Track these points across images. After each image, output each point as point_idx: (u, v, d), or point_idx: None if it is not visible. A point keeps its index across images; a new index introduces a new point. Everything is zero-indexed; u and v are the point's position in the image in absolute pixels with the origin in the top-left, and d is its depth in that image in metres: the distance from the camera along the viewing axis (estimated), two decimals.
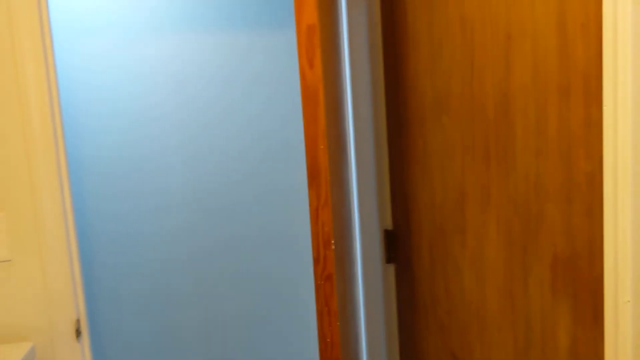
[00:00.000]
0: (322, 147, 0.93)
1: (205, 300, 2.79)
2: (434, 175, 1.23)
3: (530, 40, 0.80)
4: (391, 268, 1.63)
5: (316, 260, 0.95)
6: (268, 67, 2.68)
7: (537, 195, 0.82)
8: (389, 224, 1.62)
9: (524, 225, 0.86)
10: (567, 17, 0.71)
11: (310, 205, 0.94)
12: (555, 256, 0.79)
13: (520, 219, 0.87)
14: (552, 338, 0.81)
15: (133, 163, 2.66)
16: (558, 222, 0.78)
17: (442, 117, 1.16)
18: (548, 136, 0.78)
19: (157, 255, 2.70)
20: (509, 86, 0.87)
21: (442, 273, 1.23)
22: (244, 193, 2.73)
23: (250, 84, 2.68)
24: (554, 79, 0.75)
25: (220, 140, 2.69)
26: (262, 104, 2.69)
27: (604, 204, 0.67)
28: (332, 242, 0.94)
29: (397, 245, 1.58)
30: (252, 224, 2.74)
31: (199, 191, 2.70)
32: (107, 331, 2.73)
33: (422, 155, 1.29)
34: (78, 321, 1.48)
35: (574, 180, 0.74)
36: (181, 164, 2.68)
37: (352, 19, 1.38)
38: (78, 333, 1.48)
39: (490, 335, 1.02)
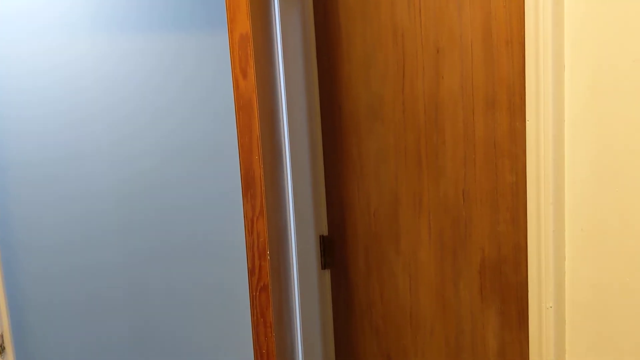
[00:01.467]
0: (256, 157, 0.93)
1: (137, 308, 2.72)
2: (369, 181, 1.25)
3: (458, 52, 0.82)
4: (327, 274, 1.63)
5: (251, 272, 0.94)
6: (201, 70, 2.64)
7: (466, 201, 0.84)
8: (324, 230, 1.63)
9: (454, 229, 0.89)
10: (492, 33, 0.73)
11: (245, 216, 0.93)
12: (483, 260, 0.81)
13: (450, 224, 0.90)
14: (482, 341, 0.84)
15: (59, 167, 2.56)
16: (486, 227, 0.80)
17: (375, 124, 1.17)
18: (476, 144, 0.81)
19: (86, 262, 2.61)
20: (438, 94, 0.89)
21: (377, 278, 1.25)
22: (175, 198, 2.67)
23: (183, 87, 2.64)
24: (480, 90, 0.78)
25: (151, 144, 2.63)
26: (194, 107, 2.65)
27: (528, 213, 0.69)
28: (268, 252, 0.94)
29: (333, 250, 1.59)
30: (184, 230, 2.69)
31: (128, 196, 2.63)
32: (34, 343, 2.62)
33: (357, 161, 1.31)
34: (1, 336, 1.42)
35: (499, 189, 0.76)
36: (110, 168, 2.60)
37: (286, 26, 1.38)
38: (2, 349, 1.42)
39: (423, 339, 1.04)
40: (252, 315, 0.96)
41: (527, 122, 0.67)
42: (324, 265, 1.63)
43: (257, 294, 0.95)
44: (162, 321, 2.78)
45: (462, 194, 0.85)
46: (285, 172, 1.61)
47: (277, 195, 1.50)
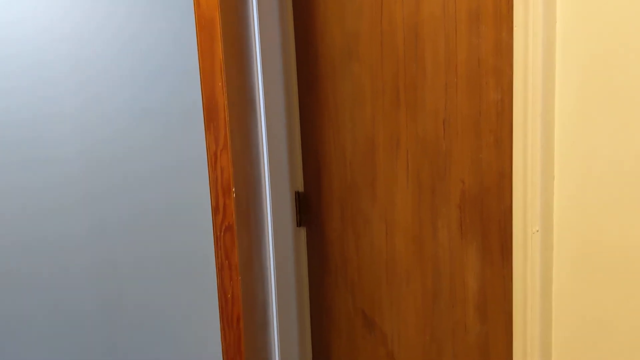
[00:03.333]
0: (219, 84, 0.85)
1: (105, 279, 2.64)
2: (345, 129, 1.18)
3: None
4: (302, 231, 1.57)
5: (215, 210, 0.87)
6: (170, 24, 2.55)
7: (446, 131, 0.78)
8: (300, 186, 1.56)
9: (432, 166, 0.83)
10: None
11: (208, 149, 0.86)
12: (464, 193, 0.75)
13: (429, 160, 0.83)
14: (461, 282, 0.78)
15: (21, 131, 2.45)
16: (467, 157, 0.74)
17: (351, 64, 1.10)
18: (458, 68, 0.74)
19: (51, 232, 2.52)
20: (418, 19, 0.82)
21: (352, 231, 1.19)
22: (144, 164, 2.58)
23: (150, 44, 2.54)
24: (464, 4, 0.71)
25: (117, 107, 2.53)
26: (162, 67, 2.55)
27: (514, 132, 0.63)
28: (233, 189, 0.87)
29: (309, 207, 1.52)
30: (152, 197, 2.61)
31: (94, 162, 2.53)
32: None
33: (333, 109, 1.24)
34: None
35: (483, 112, 0.70)
36: (75, 133, 2.50)
37: None
38: None
39: (399, 288, 0.98)
40: (217, 257, 0.89)
41: (514, 30, 0.61)
42: (299, 223, 1.56)
43: (222, 234, 0.88)
44: (131, 292, 2.70)
45: (442, 124, 0.78)
46: (259, 126, 1.53)
47: (249, 145, 1.42)
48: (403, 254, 0.96)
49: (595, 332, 0.55)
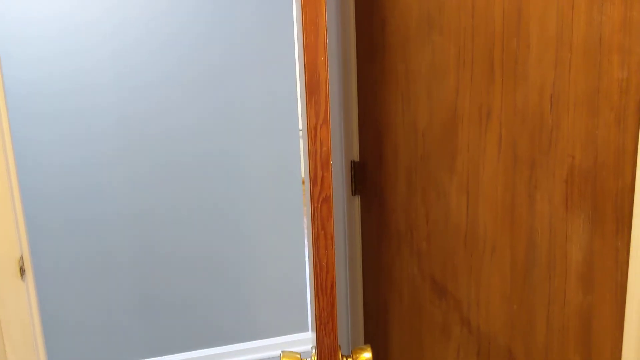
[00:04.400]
0: (322, 58, 0.86)
1: (143, 225, 2.68)
2: (418, 100, 1.19)
3: None
4: (357, 199, 1.60)
5: (313, 182, 0.89)
6: None
7: (553, 107, 0.79)
8: (355, 156, 1.58)
9: (533, 139, 0.84)
10: None
11: (309, 123, 0.87)
12: (572, 169, 0.77)
13: (529, 134, 0.85)
14: (562, 253, 0.80)
15: (64, 101, 2.47)
16: (579, 134, 0.76)
17: (432, 35, 1.11)
18: (573, 45, 0.75)
19: (91, 182, 2.55)
20: None
21: (422, 200, 1.21)
22: (185, 117, 2.60)
23: (192, 10, 2.53)
24: None
25: (161, 63, 2.53)
26: (203, 34, 2.55)
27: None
28: (330, 162, 0.89)
29: (364, 176, 1.54)
30: (196, 149, 2.64)
31: (135, 115, 2.55)
32: (42, 265, 2.58)
33: (404, 79, 1.25)
34: (22, 259, 1.37)
35: (602, 89, 0.71)
36: (114, 86, 2.51)
37: None
38: (22, 271, 1.37)
39: (480, 258, 1.01)
40: (313, 227, 0.91)
41: None
42: (354, 192, 1.59)
43: (319, 205, 0.90)
44: (165, 237, 2.74)
45: (549, 99, 0.80)
46: None
47: None
48: (487, 224, 0.98)
49: None
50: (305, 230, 2.85)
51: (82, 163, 2.56)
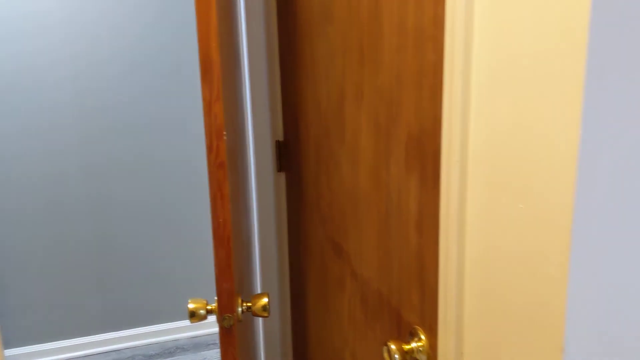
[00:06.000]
0: (213, 44, 1.02)
1: (99, 215, 2.83)
2: (320, 83, 1.36)
3: None
4: (282, 176, 1.77)
5: (209, 149, 1.06)
6: None
7: (398, 84, 0.97)
8: (280, 136, 1.75)
9: (387, 113, 1.02)
10: None
11: (204, 98, 1.04)
12: (409, 136, 0.95)
13: (385, 108, 1.03)
14: (406, 205, 0.98)
15: (16, 78, 2.59)
16: (412, 106, 0.93)
17: (326, 26, 1.28)
18: (407, 34, 0.93)
19: (49, 171, 2.69)
20: None
21: (325, 172, 1.38)
22: (135, 112, 2.75)
23: None
24: None
25: (111, 56, 2.67)
26: (155, 19, 2.69)
27: (443, 87, 0.82)
28: (224, 133, 1.05)
29: (288, 154, 1.71)
30: (142, 143, 2.78)
31: (89, 108, 2.69)
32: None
33: (310, 66, 1.42)
34: None
35: (424, 70, 0.89)
36: (70, 81, 2.64)
37: None
38: None
39: (361, 216, 1.19)
40: (211, 188, 1.08)
41: (446, 6, 0.79)
42: (280, 168, 1.76)
43: (215, 169, 1.07)
44: (123, 226, 2.89)
45: (395, 79, 0.97)
46: (244, 81, 1.71)
47: (236, 98, 1.60)
48: (364, 188, 1.16)
49: (497, 238, 0.75)
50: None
51: (39, 152, 2.69)
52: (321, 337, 1.54)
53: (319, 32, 1.33)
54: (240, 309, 1.19)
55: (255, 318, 1.81)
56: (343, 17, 1.18)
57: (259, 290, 1.82)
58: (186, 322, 3.09)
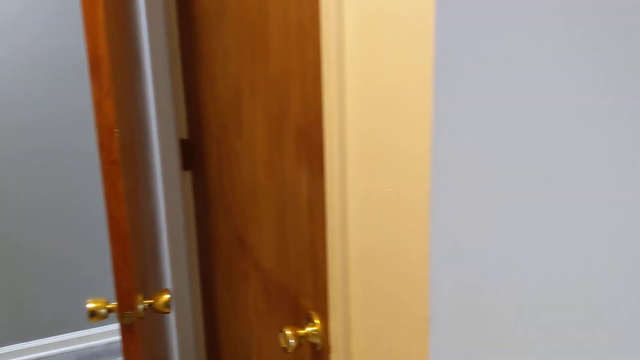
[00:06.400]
0: (101, 42, 1.03)
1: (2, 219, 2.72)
2: (218, 81, 1.38)
3: None
4: (188, 174, 1.77)
5: (102, 147, 1.06)
6: None
7: (286, 79, 1.01)
8: (184, 134, 1.75)
9: (279, 107, 1.06)
10: None
11: (94, 97, 1.04)
12: (298, 128, 0.99)
13: (276, 103, 1.06)
14: (299, 194, 1.02)
15: None
16: (298, 100, 0.97)
17: (222, 24, 1.30)
18: (291, 32, 0.97)
19: None
20: None
21: (227, 167, 1.41)
22: (31, 113, 2.67)
23: None
24: None
25: (5, 57, 2.58)
26: (48, 19, 2.61)
27: (323, 83, 0.87)
28: (116, 130, 1.06)
29: (192, 153, 1.72)
30: (40, 142, 2.71)
31: None
32: None
33: (209, 62, 1.44)
34: None
35: (307, 66, 0.93)
36: None
37: None
38: None
39: (261, 208, 1.22)
40: (104, 186, 1.08)
41: (321, 5, 0.83)
42: (185, 167, 1.76)
43: (108, 167, 1.07)
44: (27, 230, 2.80)
45: (284, 73, 1.01)
46: (146, 80, 1.70)
47: (135, 96, 1.60)
48: (262, 181, 1.19)
49: (373, 222, 0.80)
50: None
51: None
52: (230, 330, 1.57)
53: (215, 30, 1.35)
54: (141, 306, 1.20)
55: (168, 315, 1.81)
56: (235, 15, 1.20)
57: (169, 287, 1.82)
58: (102, 329, 3.02)
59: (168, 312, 1.22)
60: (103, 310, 1.15)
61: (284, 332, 1.00)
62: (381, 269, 0.80)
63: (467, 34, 0.64)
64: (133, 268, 1.14)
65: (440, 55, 0.64)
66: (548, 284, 0.76)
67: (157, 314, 1.44)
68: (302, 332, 1.01)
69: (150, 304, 1.22)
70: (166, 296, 1.22)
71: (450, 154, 0.67)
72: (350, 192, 0.85)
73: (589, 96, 0.72)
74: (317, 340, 1.00)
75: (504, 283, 0.73)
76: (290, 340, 0.99)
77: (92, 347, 2.99)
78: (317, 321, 1.01)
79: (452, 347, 0.73)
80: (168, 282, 1.83)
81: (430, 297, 0.70)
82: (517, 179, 0.71)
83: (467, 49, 0.65)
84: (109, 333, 3.01)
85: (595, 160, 0.74)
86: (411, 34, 0.66)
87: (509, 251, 0.72)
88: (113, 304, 1.15)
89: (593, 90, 0.71)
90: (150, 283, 1.46)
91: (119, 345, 2.99)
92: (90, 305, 1.15)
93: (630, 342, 0.83)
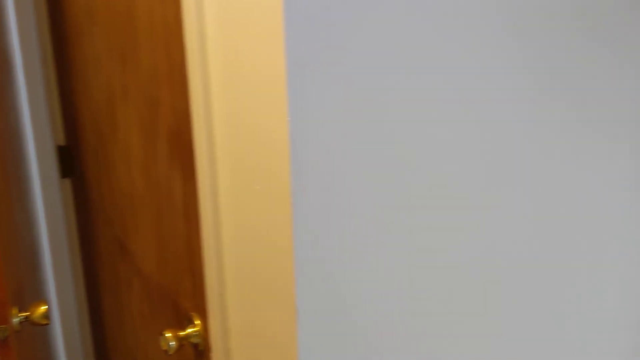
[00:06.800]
0: None
1: None
2: (91, 85, 1.35)
3: None
4: (67, 182, 1.71)
5: None
6: None
7: (156, 82, 1.00)
8: (62, 140, 1.69)
9: (150, 110, 1.05)
10: None
11: None
12: (170, 131, 0.99)
13: (148, 106, 1.06)
14: (174, 196, 1.02)
15: None
16: (168, 103, 0.97)
17: (92, 28, 1.27)
18: (157, 32, 0.97)
19: None
20: None
21: (105, 173, 1.37)
22: None
23: None
24: None
25: None
26: None
27: (189, 82, 0.87)
28: None
29: (71, 159, 1.66)
30: None
31: None
32: None
33: (81, 66, 1.40)
34: None
35: (174, 67, 0.93)
36: None
37: None
38: None
39: (139, 213, 1.20)
40: None
41: (183, 8, 0.84)
42: (64, 174, 1.70)
43: None
44: None
45: (153, 75, 1.01)
46: (18, 86, 1.63)
47: (6, 103, 1.52)
48: (139, 184, 1.18)
49: (243, 218, 0.82)
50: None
51: None
52: (117, 338, 1.53)
53: (86, 31, 1.31)
54: (17, 319, 1.15)
55: (54, 326, 1.74)
56: (104, 16, 1.18)
57: (54, 298, 1.74)
58: None
59: (47, 324, 1.18)
60: None
61: (164, 335, 1.00)
62: (253, 265, 0.82)
63: (318, 31, 0.68)
64: (6, 280, 1.09)
65: (292, 56, 0.67)
66: (408, 269, 0.81)
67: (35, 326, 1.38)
68: (182, 333, 1.01)
69: (26, 317, 1.18)
70: (43, 307, 1.17)
71: (309, 151, 0.70)
72: (222, 191, 0.87)
73: (438, 92, 0.77)
74: (198, 341, 1.00)
75: (366, 270, 0.78)
76: (170, 343, 0.99)
77: None
78: (197, 322, 1.01)
79: (321, 334, 0.77)
80: (51, 293, 1.76)
81: (297, 287, 0.73)
82: (373, 172, 0.75)
83: (319, 47, 0.68)
84: None
85: (447, 155, 0.80)
86: (264, 33, 0.69)
87: (369, 240, 0.77)
88: None
89: (440, 85, 0.77)
90: (28, 294, 1.40)
91: None
92: None
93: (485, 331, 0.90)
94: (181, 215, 1.01)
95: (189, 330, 1.01)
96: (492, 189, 0.84)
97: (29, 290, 1.47)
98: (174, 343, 0.99)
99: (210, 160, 0.86)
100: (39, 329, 1.61)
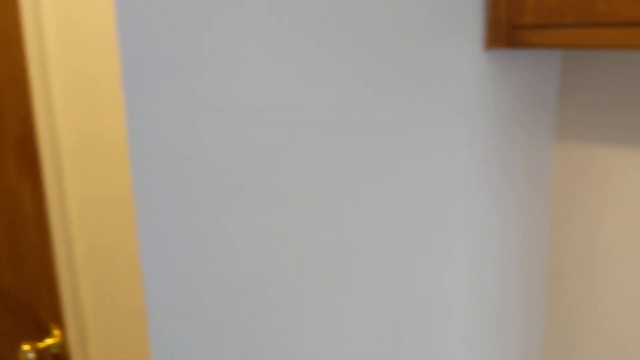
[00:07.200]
0: None
1: None
2: None
3: None
4: None
5: None
6: None
7: (1, 90, 0.97)
8: None
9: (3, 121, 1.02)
10: None
11: None
12: (17, 139, 0.96)
13: None
14: (25, 206, 1.00)
15: None
16: (14, 111, 0.95)
17: None
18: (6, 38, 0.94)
19: None
20: None
21: None
22: None
23: None
24: None
25: None
26: None
27: (32, 89, 0.86)
28: None
29: None
30: None
31: None
32: None
33: None
34: None
35: (17, 75, 0.91)
36: None
37: None
38: None
39: None
40: None
41: (22, 14, 0.83)
42: None
43: None
44: None
45: None
46: None
47: None
48: None
49: (93, 226, 0.82)
50: None
51: None
52: None
53: None
54: None
55: None
56: None
57: None
58: None
59: None
60: None
61: (21, 348, 0.97)
62: (105, 272, 0.82)
63: (151, 32, 0.70)
64: None
65: (126, 62, 0.68)
66: (253, 265, 0.84)
67: None
68: (42, 345, 0.99)
69: None
70: None
71: (147, 150, 0.72)
72: (70, 199, 0.86)
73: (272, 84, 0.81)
74: (57, 351, 0.98)
75: (214, 268, 0.81)
76: (29, 355, 0.97)
77: None
78: (56, 332, 0.99)
79: (173, 334, 0.78)
80: None
81: (145, 290, 0.75)
82: (214, 169, 0.78)
83: (151, 54, 0.70)
84: None
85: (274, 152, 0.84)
86: (100, 37, 0.70)
87: (214, 237, 0.80)
88: None
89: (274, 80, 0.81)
90: None
91: None
92: None
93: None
94: (33, 225, 0.99)
95: (48, 342, 0.99)
96: (324, 187, 0.89)
97: None
98: (32, 355, 0.97)
99: (56, 168, 0.85)
100: None
